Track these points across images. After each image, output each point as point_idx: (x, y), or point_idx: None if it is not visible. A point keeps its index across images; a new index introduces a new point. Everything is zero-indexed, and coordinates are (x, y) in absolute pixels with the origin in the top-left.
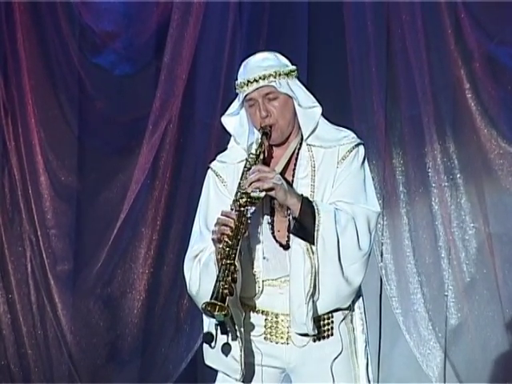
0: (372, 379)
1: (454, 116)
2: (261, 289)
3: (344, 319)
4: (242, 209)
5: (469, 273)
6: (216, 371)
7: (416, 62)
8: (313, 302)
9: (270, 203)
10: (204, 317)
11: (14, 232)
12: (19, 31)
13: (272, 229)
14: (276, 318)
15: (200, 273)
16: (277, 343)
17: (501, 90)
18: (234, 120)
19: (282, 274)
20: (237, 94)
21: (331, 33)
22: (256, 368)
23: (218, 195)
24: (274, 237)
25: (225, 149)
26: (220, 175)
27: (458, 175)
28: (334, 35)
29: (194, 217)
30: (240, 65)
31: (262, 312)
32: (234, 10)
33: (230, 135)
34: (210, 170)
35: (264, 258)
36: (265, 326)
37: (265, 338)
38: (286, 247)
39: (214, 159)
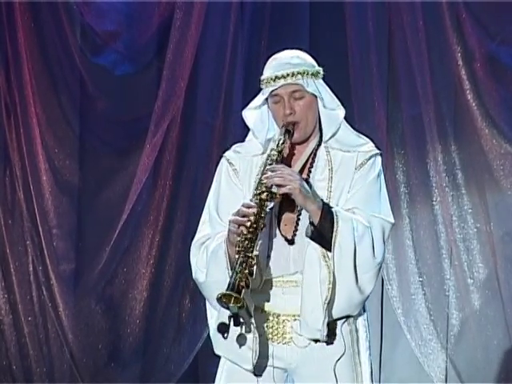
0: (374, 379)
1: (455, 116)
2: (262, 287)
3: (346, 320)
4: (263, 202)
5: (470, 273)
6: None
7: (417, 61)
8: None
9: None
10: (208, 311)
11: (15, 232)
12: (20, 32)
13: (278, 223)
14: (277, 318)
15: (208, 261)
16: (278, 343)
17: (502, 89)
18: (255, 115)
19: (283, 272)
20: (260, 89)
21: (332, 33)
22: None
23: (229, 184)
24: (280, 231)
25: (241, 140)
26: (233, 164)
27: (460, 175)
28: (335, 35)
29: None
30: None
31: (263, 311)
32: (235, 10)
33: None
34: (223, 159)
35: (268, 256)
36: (266, 327)
37: (266, 339)
38: (291, 242)
39: (228, 150)
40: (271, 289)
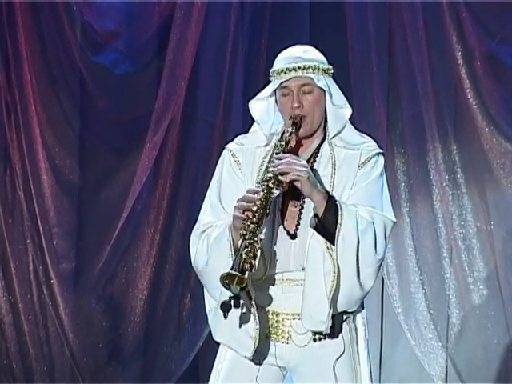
0: (374, 378)
1: (455, 115)
2: (262, 285)
3: (346, 319)
4: (269, 189)
5: (470, 271)
6: None
7: (417, 60)
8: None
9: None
10: (206, 301)
11: (15, 231)
12: (21, 31)
13: (282, 216)
14: (277, 317)
15: (210, 248)
16: (277, 342)
17: (502, 88)
18: (262, 106)
19: (283, 269)
20: (268, 82)
21: (333, 33)
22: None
23: (230, 174)
24: (283, 225)
25: (244, 132)
26: (236, 155)
27: (460, 174)
28: (336, 35)
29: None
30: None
31: (262, 310)
32: (235, 9)
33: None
34: (225, 150)
35: (270, 249)
36: (266, 325)
37: (266, 337)
38: (293, 236)
39: (230, 141)
40: (271, 287)
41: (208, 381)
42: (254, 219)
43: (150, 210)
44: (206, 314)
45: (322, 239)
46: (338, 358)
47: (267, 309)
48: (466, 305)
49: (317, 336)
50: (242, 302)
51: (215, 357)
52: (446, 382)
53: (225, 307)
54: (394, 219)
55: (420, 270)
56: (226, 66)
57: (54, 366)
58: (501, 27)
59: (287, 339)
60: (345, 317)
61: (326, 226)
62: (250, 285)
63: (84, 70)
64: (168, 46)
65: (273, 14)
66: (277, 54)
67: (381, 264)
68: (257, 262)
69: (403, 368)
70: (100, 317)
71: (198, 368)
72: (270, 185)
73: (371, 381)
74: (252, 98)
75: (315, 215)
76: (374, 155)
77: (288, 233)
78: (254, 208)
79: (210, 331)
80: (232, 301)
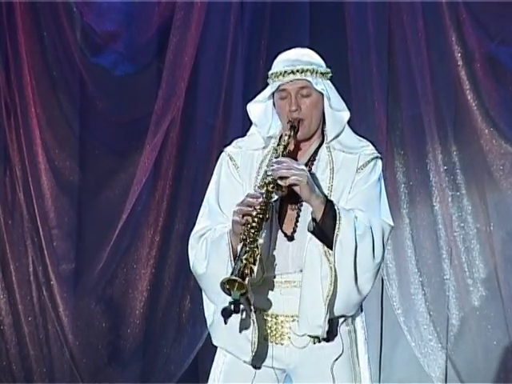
0: (373, 379)
1: (455, 116)
2: (261, 287)
3: (345, 321)
4: (269, 194)
5: (470, 273)
6: None
7: (417, 62)
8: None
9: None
10: (205, 305)
11: (15, 232)
12: (20, 32)
13: (279, 218)
14: (276, 319)
15: (209, 252)
16: (277, 344)
17: (502, 90)
18: (260, 108)
19: (282, 271)
20: (267, 84)
21: (332, 33)
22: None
23: (228, 177)
24: (280, 227)
25: (245, 133)
26: (234, 159)
27: (459, 175)
28: (335, 35)
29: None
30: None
31: (261, 312)
32: (235, 10)
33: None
34: (223, 153)
35: (268, 252)
36: (265, 327)
37: (264, 339)
38: (291, 238)
39: (228, 144)
40: (270, 289)
41: (207, 381)
42: (254, 224)
43: (150, 212)
44: (205, 316)
45: (319, 243)
46: (336, 359)
47: (266, 311)
48: (466, 306)
49: (315, 339)
50: (241, 307)
51: (214, 358)
52: (446, 382)
53: (225, 313)
54: (392, 224)
55: (420, 271)
56: (226, 67)
57: (54, 367)
58: (501, 28)
59: (287, 341)
60: (344, 319)
61: (324, 231)
62: (249, 290)
63: (84, 71)
64: (168, 47)
65: (273, 14)
66: (276, 56)
67: (379, 268)
68: (256, 267)
69: (403, 369)
70: (100, 318)
71: (197, 369)
72: (270, 189)
73: (371, 382)
74: (252, 99)
75: (313, 219)
76: (372, 159)
77: (285, 235)
78: (254, 213)
79: (209, 333)
80: (232, 306)
